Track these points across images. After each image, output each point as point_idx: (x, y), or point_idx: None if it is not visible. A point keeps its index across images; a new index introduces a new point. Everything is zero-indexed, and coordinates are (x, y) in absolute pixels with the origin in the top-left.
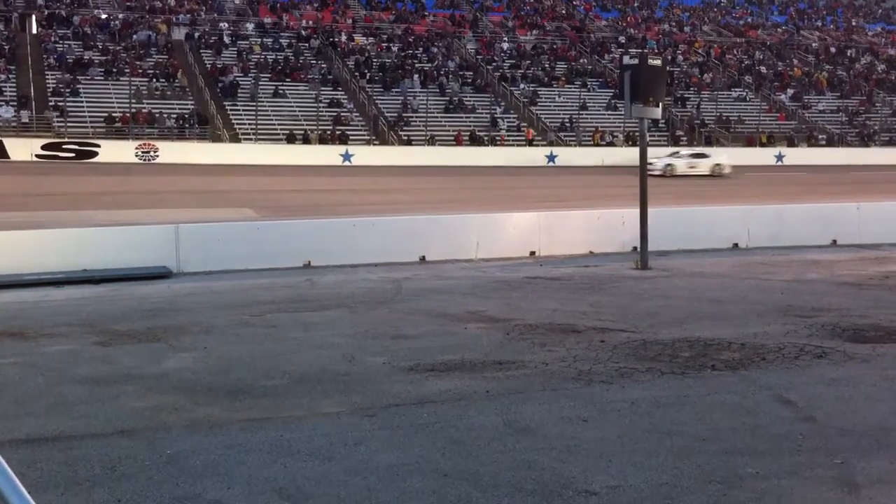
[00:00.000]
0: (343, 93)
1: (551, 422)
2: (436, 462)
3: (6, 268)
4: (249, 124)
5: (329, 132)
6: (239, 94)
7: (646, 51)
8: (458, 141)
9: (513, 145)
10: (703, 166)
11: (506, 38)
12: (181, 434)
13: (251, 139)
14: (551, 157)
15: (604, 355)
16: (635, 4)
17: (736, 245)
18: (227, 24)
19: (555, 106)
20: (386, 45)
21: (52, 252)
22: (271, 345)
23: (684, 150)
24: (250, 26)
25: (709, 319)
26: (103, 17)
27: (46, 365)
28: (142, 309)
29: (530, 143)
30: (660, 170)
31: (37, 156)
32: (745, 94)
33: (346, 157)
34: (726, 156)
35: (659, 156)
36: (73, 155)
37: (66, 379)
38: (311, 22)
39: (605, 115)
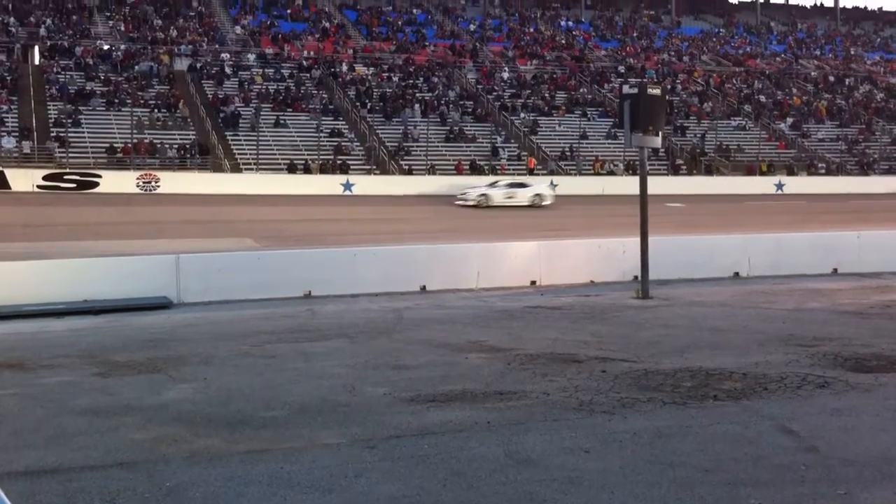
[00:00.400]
0: (344, 122)
1: (553, 453)
2: (437, 494)
3: (6, 298)
4: (251, 154)
5: (330, 161)
6: (240, 125)
7: (645, 80)
8: (458, 170)
9: (514, 174)
10: (522, 196)
11: (506, 68)
12: (181, 466)
13: (252, 169)
14: (552, 187)
15: (605, 385)
16: (634, 34)
17: (737, 274)
18: (228, 55)
19: (555, 135)
20: (387, 74)
21: (52, 282)
22: (271, 375)
23: (503, 180)
24: (252, 57)
25: (710, 349)
26: (105, 48)
27: (46, 396)
28: (142, 339)
29: (531, 172)
30: (473, 200)
31: (38, 186)
32: (744, 122)
33: (347, 186)
34: (547, 185)
35: (475, 185)
36: (74, 185)
37: (65, 410)
38: (312, 52)
39: (605, 144)
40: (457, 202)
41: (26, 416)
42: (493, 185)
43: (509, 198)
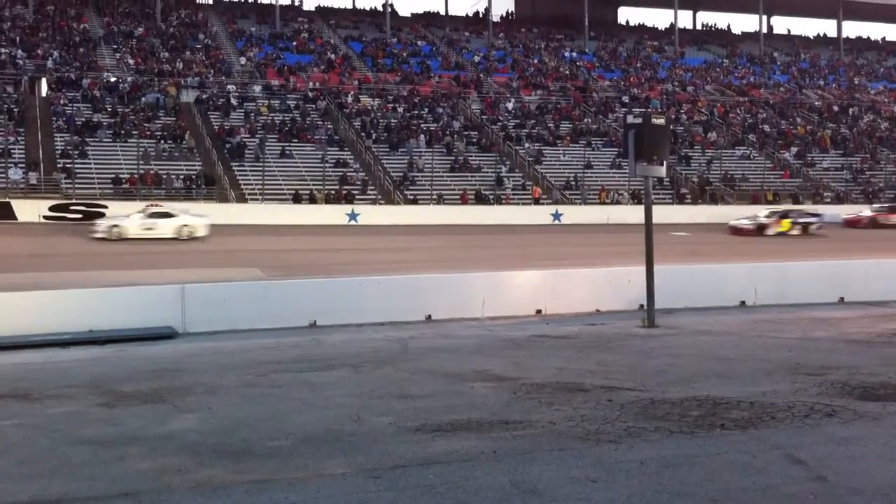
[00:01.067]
0: (349, 153)
1: (560, 483)
2: None
3: (12, 329)
4: (256, 184)
5: (335, 192)
6: (246, 155)
7: (649, 110)
8: (463, 200)
9: (518, 204)
10: (166, 228)
11: (510, 99)
12: (186, 496)
13: (258, 199)
14: (557, 216)
15: (612, 414)
16: (638, 65)
17: (743, 303)
18: (234, 87)
19: (560, 165)
20: (392, 105)
21: (57, 313)
22: (276, 405)
23: (148, 209)
24: (258, 88)
25: (717, 378)
26: (112, 80)
27: (51, 426)
28: (147, 370)
29: (537, 201)
30: (103, 232)
31: (44, 217)
32: (748, 152)
33: (353, 216)
34: (196, 215)
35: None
36: (80, 215)
37: (70, 440)
38: (317, 84)
39: (610, 173)
40: (88, 233)
41: (32, 446)
42: (133, 214)
43: (148, 229)
